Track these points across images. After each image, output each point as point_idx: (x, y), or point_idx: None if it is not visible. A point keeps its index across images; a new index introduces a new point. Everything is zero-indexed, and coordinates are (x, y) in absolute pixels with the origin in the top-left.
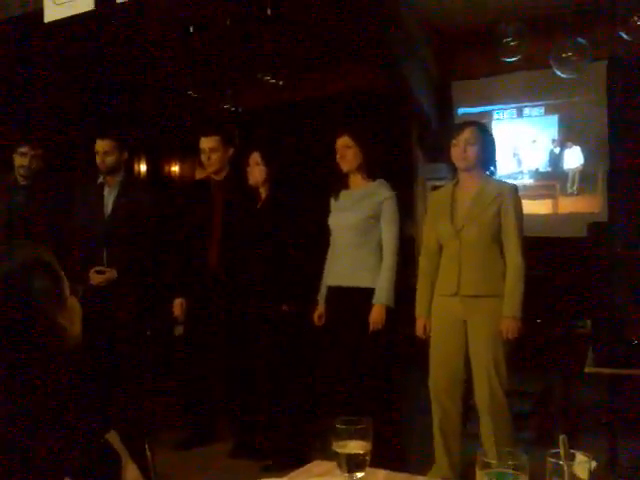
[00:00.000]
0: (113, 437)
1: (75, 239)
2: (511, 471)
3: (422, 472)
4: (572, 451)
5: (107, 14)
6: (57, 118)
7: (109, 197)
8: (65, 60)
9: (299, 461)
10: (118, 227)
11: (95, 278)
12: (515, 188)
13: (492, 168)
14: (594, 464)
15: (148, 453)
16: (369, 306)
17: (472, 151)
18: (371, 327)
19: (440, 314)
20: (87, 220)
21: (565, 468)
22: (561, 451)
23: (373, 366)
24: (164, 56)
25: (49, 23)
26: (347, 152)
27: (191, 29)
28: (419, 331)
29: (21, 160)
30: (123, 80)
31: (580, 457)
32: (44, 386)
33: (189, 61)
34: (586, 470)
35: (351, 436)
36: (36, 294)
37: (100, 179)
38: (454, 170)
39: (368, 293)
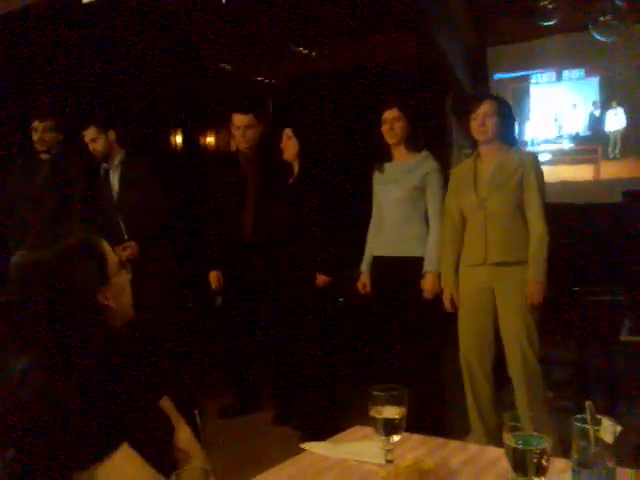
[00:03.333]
0: (166, 402)
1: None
2: (536, 433)
3: (460, 437)
4: (598, 416)
5: None
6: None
7: (114, 178)
8: (92, 35)
9: (334, 429)
10: (127, 204)
11: (122, 254)
12: (536, 157)
13: (512, 140)
14: (619, 429)
15: (198, 419)
16: (418, 274)
17: (491, 124)
18: (425, 294)
19: (468, 284)
20: (100, 203)
21: (591, 432)
22: (587, 416)
23: (421, 334)
24: (197, 29)
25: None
26: (396, 124)
27: (223, 0)
28: (446, 301)
29: (35, 135)
30: (156, 54)
31: (605, 422)
32: (91, 361)
33: (223, 33)
34: (611, 434)
35: (387, 402)
36: (78, 276)
37: (104, 165)
38: (475, 143)
39: (416, 262)
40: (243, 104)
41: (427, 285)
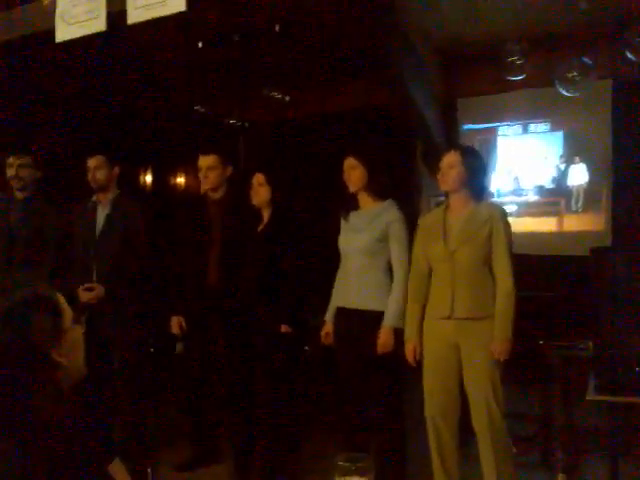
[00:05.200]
0: (116, 466)
1: (70, 258)
2: None
3: None
4: None
5: (116, 34)
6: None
7: (101, 215)
8: (71, 74)
9: None
10: (108, 244)
11: (84, 295)
12: (503, 211)
13: (479, 191)
14: None
15: (149, 478)
16: (377, 328)
17: (451, 174)
18: (379, 350)
19: (432, 338)
20: (79, 239)
21: None
22: None
23: (379, 388)
24: (173, 70)
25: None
26: (352, 173)
27: (200, 44)
28: (409, 355)
29: (9, 171)
30: (130, 93)
31: None
32: (39, 421)
33: (197, 76)
34: None
35: (352, 472)
36: (32, 330)
37: (94, 198)
38: (446, 193)
39: (376, 316)
40: (206, 145)
41: (381, 340)
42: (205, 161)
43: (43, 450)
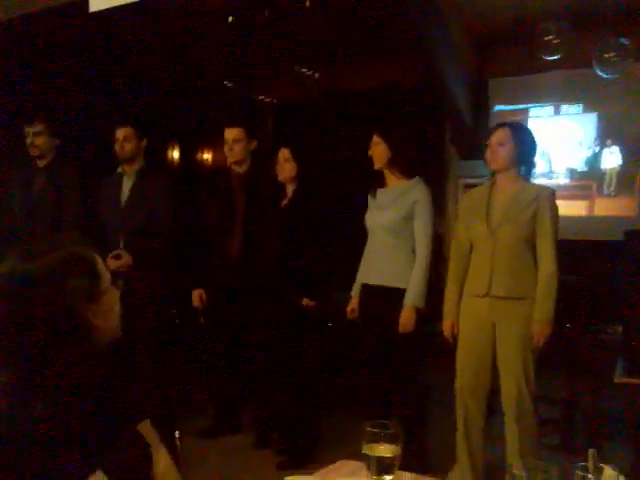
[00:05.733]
0: (145, 426)
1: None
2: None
3: (442, 471)
4: (601, 464)
5: (149, 5)
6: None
7: (126, 185)
8: (104, 46)
9: (313, 459)
10: (134, 214)
11: (112, 263)
12: (552, 192)
13: (529, 169)
14: (622, 479)
15: (177, 441)
16: (400, 306)
17: (501, 152)
18: (400, 329)
19: (469, 315)
20: (105, 209)
21: None
22: (589, 464)
23: (400, 365)
24: (203, 45)
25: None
26: (375, 149)
27: (230, 19)
28: (446, 331)
29: (27, 140)
30: (161, 68)
31: (608, 471)
32: (72, 382)
33: (227, 51)
34: None
35: (381, 439)
36: (67, 290)
37: (119, 169)
38: (492, 171)
39: (400, 293)
40: (233, 117)
41: (402, 319)
42: (231, 133)
43: (77, 407)
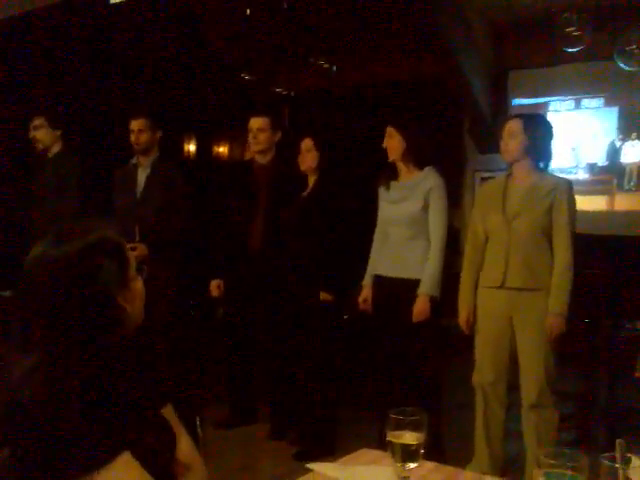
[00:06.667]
0: (169, 411)
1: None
2: (569, 472)
3: (459, 465)
4: (628, 455)
5: None
6: (101, 94)
7: (141, 176)
8: (121, 38)
9: (330, 448)
10: (148, 205)
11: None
12: (570, 184)
13: (545, 161)
14: None
15: (199, 428)
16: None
17: (513, 144)
18: (414, 318)
19: (485, 307)
20: (120, 199)
21: (620, 472)
22: (617, 454)
23: (416, 357)
24: (219, 37)
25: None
26: (390, 141)
27: (248, 11)
28: (462, 322)
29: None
30: (178, 60)
31: (636, 461)
32: (104, 363)
33: (244, 43)
34: None
35: (406, 426)
36: (101, 274)
37: (134, 160)
38: (506, 162)
39: (417, 285)
40: (258, 107)
41: (416, 308)
42: (256, 122)
43: (107, 389)
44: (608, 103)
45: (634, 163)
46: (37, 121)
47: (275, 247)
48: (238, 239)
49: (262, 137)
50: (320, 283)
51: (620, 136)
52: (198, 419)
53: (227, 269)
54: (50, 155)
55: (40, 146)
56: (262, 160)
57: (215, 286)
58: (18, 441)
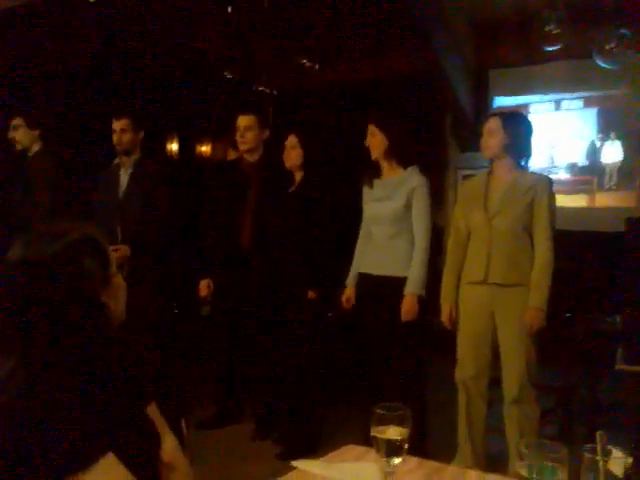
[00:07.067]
0: (153, 410)
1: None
2: (550, 464)
3: (443, 460)
4: (609, 447)
5: None
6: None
7: (124, 176)
8: (102, 37)
9: (314, 446)
10: (131, 205)
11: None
12: (550, 181)
13: (524, 158)
14: (630, 460)
15: (184, 428)
16: (402, 295)
17: (492, 141)
18: (403, 317)
19: (467, 303)
20: (102, 199)
21: (601, 464)
22: (598, 446)
23: (400, 354)
24: (201, 36)
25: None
26: (372, 140)
27: (229, 9)
28: (444, 317)
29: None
30: (159, 59)
31: (616, 453)
32: (87, 362)
33: (226, 42)
34: (621, 466)
35: (390, 421)
36: (83, 273)
37: (116, 160)
38: (486, 159)
39: (401, 282)
40: (245, 105)
41: (404, 307)
42: (243, 121)
43: (89, 389)
44: (587, 104)
45: (614, 163)
46: (16, 121)
47: (263, 245)
48: (227, 238)
49: (250, 135)
50: (306, 280)
51: (599, 136)
52: (183, 419)
53: (217, 268)
54: (30, 154)
55: (19, 146)
56: (250, 158)
57: (205, 285)
58: None
